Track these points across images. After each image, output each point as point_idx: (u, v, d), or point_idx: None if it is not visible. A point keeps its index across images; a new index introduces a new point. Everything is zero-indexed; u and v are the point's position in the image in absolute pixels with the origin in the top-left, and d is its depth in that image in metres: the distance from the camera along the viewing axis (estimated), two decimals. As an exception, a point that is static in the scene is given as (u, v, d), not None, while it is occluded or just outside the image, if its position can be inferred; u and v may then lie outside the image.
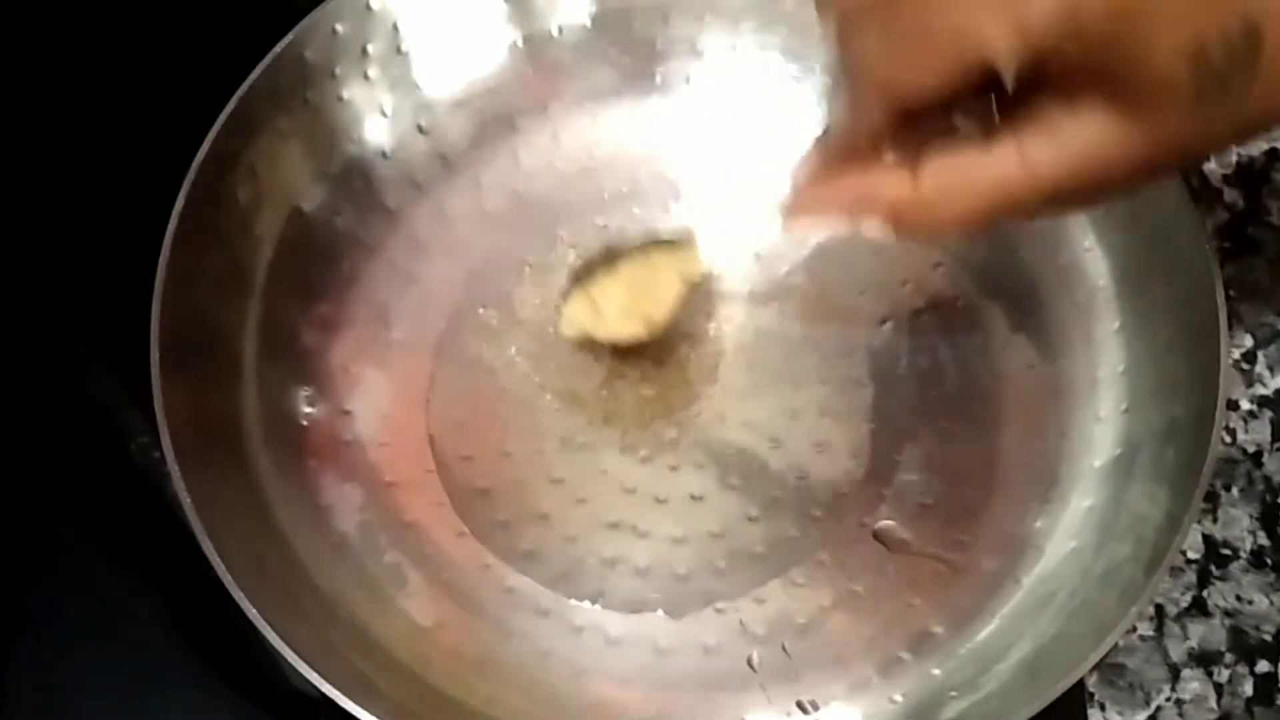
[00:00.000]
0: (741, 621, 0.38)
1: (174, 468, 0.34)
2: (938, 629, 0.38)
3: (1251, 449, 0.43)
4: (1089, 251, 0.41)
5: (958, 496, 0.40)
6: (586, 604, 0.39)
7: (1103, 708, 0.40)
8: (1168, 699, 0.40)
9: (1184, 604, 0.41)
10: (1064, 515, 0.38)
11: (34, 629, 0.37)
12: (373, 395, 0.41)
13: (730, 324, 0.42)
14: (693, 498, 0.40)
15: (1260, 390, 0.44)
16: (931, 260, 0.43)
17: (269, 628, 0.32)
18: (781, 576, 0.39)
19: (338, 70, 0.42)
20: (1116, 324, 0.40)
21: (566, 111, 0.45)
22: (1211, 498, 0.42)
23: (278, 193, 0.41)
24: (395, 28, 0.42)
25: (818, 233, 0.31)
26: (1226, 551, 0.42)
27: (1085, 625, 0.35)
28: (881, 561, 0.39)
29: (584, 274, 0.42)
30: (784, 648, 0.38)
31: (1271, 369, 0.44)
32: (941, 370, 0.41)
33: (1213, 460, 0.34)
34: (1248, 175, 0.47)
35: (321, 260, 0.42)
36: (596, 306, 0.41)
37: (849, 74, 0.28)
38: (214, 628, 0.37)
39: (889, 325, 0.42)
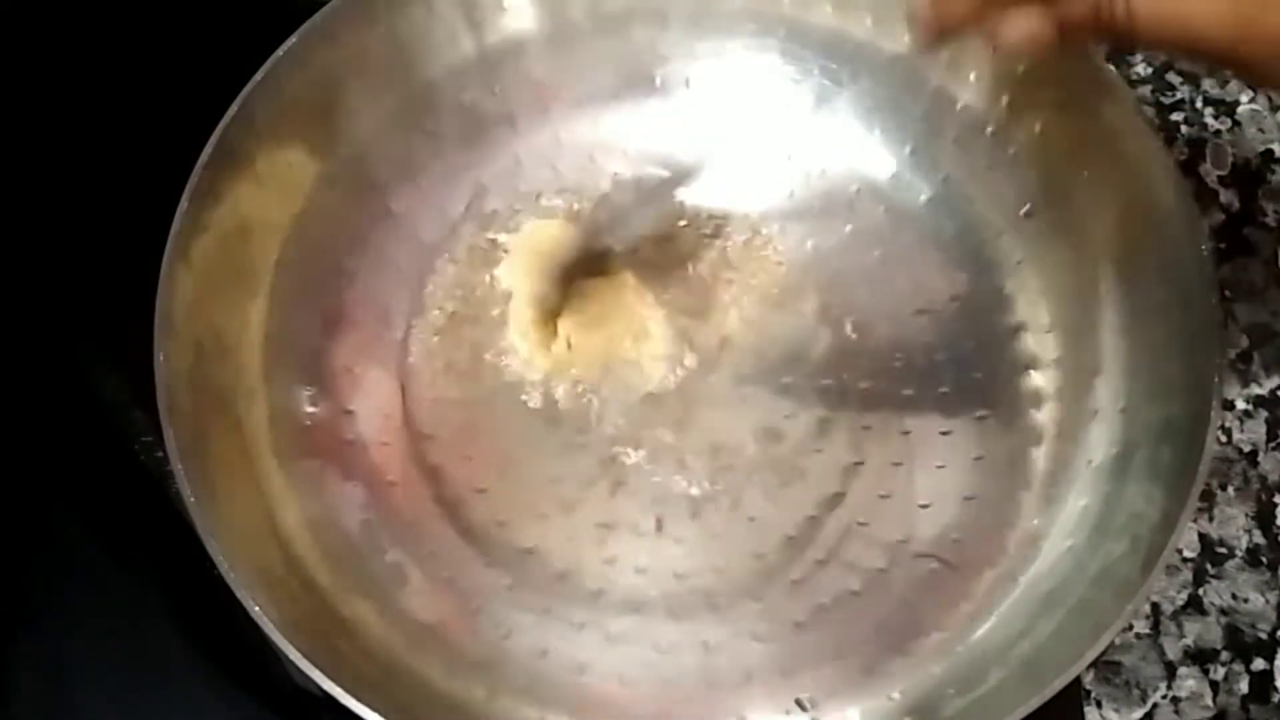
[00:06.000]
0: (740, 619, 0.38)
1: (177, 466, 0.34)
2: (935, 627, 0.38)
3: (1247, 448, 0.43)
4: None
5: (955, 495, 0.40)
6: (586, 602, 0.39)
7: (1099, 705, 0.40)
8: (1164, 696, 0.40)
9: (1180, 602, 0.41)
10: (1061, 514, 0.39)
11: (38, 627, 0.37)
12: (375, 395, 0.41)
13: (728, 323, 0.43)
14: (693, 497, 0.40)
15: (1256, 390, 0.44)
16: (930, 257, 0.43)
17: (271, 625, 0.33)
18: (780, 575, 0.39)
19: (340, 72, 0.42)
20: (1114, 324, 0.40)
21: (567, 113, 0.45)
22: (1207, 497, 0.42)
23: (281, 193, 0.41)
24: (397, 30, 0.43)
25: (947, 40, 0.32)
26: (1222, 550, 0.42)
27: (1082, 623, 0.35)
28: (879, 560, 0.39)
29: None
30: (783, 645, 0.38)
31: (1267, 369, 0.44)
32: (939, 369, 0.42)
33: (1208, 459, 0.34)
34: (1244, 177, 0.47)
35: (324, 261, 0.42)
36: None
37: None
38: (217, 625, 0.37)
39: (887, 324, 0.43)
